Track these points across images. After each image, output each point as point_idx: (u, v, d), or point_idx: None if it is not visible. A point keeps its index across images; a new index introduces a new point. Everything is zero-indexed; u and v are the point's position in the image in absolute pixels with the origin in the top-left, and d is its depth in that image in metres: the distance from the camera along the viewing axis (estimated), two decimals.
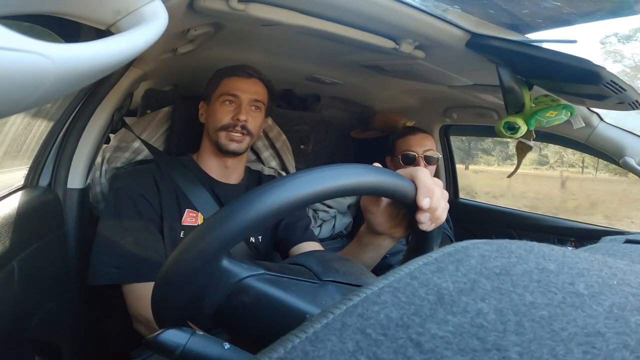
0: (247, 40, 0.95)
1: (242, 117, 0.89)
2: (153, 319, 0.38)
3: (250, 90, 0.91)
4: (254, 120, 0.92)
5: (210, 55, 1.03)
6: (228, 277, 0.36)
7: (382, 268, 0.40)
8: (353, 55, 1.02)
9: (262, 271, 0.38)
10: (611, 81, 0.72)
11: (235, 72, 0.92)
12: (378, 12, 0.72)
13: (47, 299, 0.84)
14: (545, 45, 0.76)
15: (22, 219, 0.78)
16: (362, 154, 1.82)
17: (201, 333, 0.34)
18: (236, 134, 0.89)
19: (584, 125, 1.00)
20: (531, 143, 0.95)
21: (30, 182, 0.94)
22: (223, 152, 0.91)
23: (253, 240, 0.91)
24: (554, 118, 0.87)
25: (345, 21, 0.78)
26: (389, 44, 0.85)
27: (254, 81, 0.93)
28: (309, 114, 1.70)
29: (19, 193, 0.86)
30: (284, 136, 1.29)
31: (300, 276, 0.39)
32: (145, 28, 0.25)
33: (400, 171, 0.46)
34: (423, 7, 0.71)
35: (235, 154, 0.92)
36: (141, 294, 0.75)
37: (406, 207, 0.46)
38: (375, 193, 0.43)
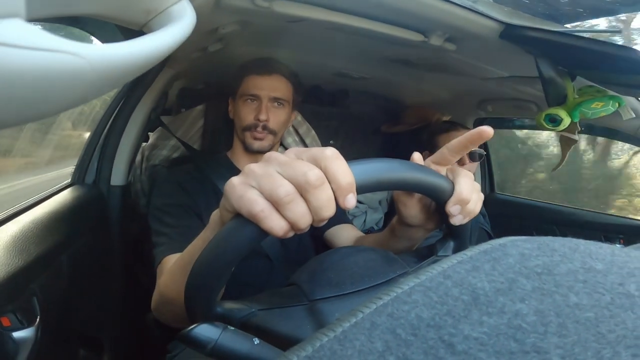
0: (274, 37, 0.96)
1: (262, 117, 0.88)
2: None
3: (269, 88, 0.89)
4: (276, 117, 0.90)
5: (239, 53, 1.04)
6: (229, 319, 0.38)
7: None
8: (381, 50, 1.00)
9: (253, 310, 0.39)
10: None
11: (255, 70, 0.91)
12: (405, 5, 0.70)
13: (92, 292, 0.89)
14: (587, 35, 0.71)
15: (71, 215, 0.82)
16: (391, 149, 1.80)
17: (232, 328, 0.34)
18: (258, 134, 0.89)
19: (634, 116, 0.93)
20: (576, 136, 0.89)
21: (77, 179, 1.00)
22: (249, 151, 0.92)
23: None
24: (600, 109, 0.82)
25: (371, 15, 0.77)
26: (417, 37, 0.82)
27: (274, 77, 0.90)
28: (338, 110, 1.70)
29: (68, 190, 0.92)
30: (313, 132, 1.29)
31: (290, 300, 0.41)
32: (174, 27, 0.26)
33: (443, 169, 0.46)
34: None
35: (260, 153, 0.91)
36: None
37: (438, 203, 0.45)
38: (414, 190, 0.43)
